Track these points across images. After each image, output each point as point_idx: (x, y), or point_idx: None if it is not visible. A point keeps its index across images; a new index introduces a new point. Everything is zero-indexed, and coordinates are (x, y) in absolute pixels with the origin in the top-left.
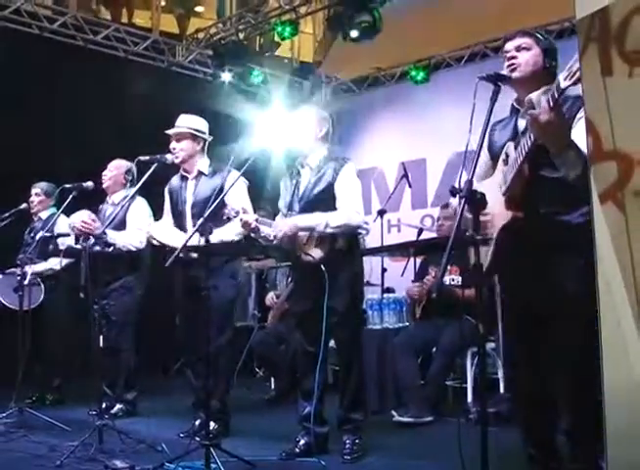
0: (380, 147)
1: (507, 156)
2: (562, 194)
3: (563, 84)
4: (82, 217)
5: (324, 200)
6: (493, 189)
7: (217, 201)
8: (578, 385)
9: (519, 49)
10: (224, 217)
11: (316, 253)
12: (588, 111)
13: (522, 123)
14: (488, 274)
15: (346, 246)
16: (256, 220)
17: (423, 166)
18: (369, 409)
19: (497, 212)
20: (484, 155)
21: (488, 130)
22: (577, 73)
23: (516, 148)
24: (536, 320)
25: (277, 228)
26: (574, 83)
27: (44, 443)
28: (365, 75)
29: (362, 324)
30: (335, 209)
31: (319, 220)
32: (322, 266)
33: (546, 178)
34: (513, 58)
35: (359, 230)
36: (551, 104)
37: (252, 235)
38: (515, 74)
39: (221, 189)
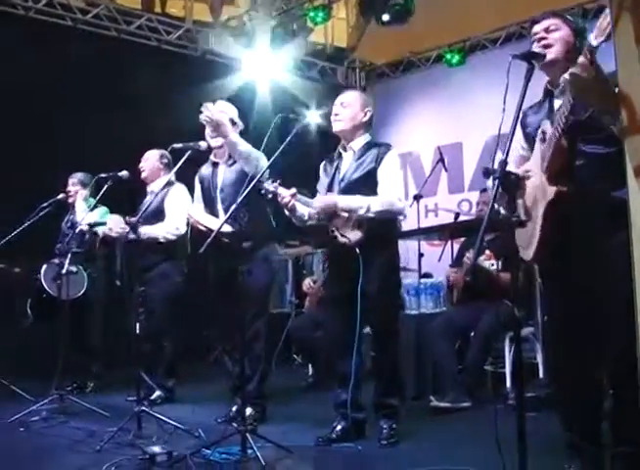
0: (415, 131)
1: (544, 133)
2: (608, 170)
3: (594, 42)
4: (117, 223)
5: (364, 184)
6: (533, 170)
7: (250, 186)
8: (623, 364)
9: (547, 31)
10: (262, 192)
11: (353, 235)
12: (622, 81)
13: (557, 103)
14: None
15: (384, 230)
16: (294, 196)
17: (459, 150)
18: (407, 395)
19: (539, 193)
20: (521, 142)
21: (520, 117)
22: (608, 29)
23: (552, 124)
24: (583, 298)
25: (317, 202)
26: (606, 40)
27: (84, 428)
28: (400, 59)
29: (398, 309)
30: (374, 194)
31: (361, 203)
32: (357, 250)
33: (591, 154)
34: (543, 39)
35: (399, 216)
36: (588, 57)
37: (288, 214)
38: (550, 56)
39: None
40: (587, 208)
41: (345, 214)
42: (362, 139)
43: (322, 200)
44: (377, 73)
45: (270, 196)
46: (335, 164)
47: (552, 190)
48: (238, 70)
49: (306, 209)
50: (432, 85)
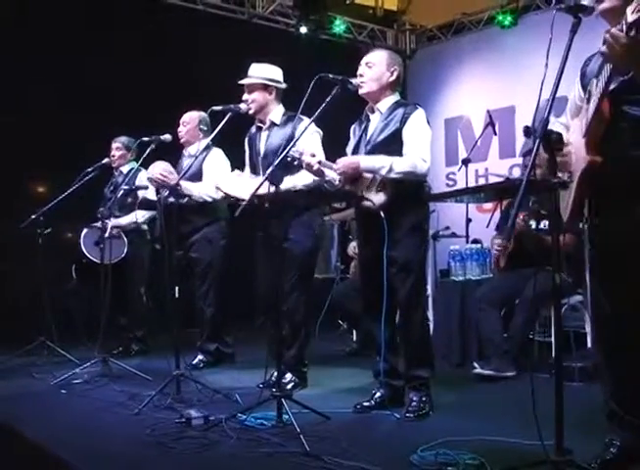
0: (467, 95)
1: (590, 94)
2: None
3: (630, 18)
4: (160, 169)
5: (390, 145)
6: (579, 131)
7: (287, 149)
8: None
9: None
10: (289, 159)
11: (377, 198)
12: None
13: None
14: (572, 218)
15: (410, 193)
16: (319, 162)
17: (511, 114)
18: (452, 361)
19: (580, 155)
20: (579, 91)
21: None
22: None
23: (597, 85)
24: (624, 263)
25: (339, 165)
26: None
27: (125, 391)
28: (451, 22)
29: (423, 276)
30: (400, 156)
31: (383, 163)
32: (381, 214)
33: (633, 116)
34: None
35: (424, 179)
36: (624, 29)
37: (317, 179)
38: (603, 5)
39: (292, 138)
40: (623, 177)
41: (369, 176)
42: (390, 100)
43: (343, 160)
44: (427, 36)
45: (296, 162)
46: (363, 126)
47: (586, 158)
48: (287, 33)
49: (334, 173)
50: (483, 48)
